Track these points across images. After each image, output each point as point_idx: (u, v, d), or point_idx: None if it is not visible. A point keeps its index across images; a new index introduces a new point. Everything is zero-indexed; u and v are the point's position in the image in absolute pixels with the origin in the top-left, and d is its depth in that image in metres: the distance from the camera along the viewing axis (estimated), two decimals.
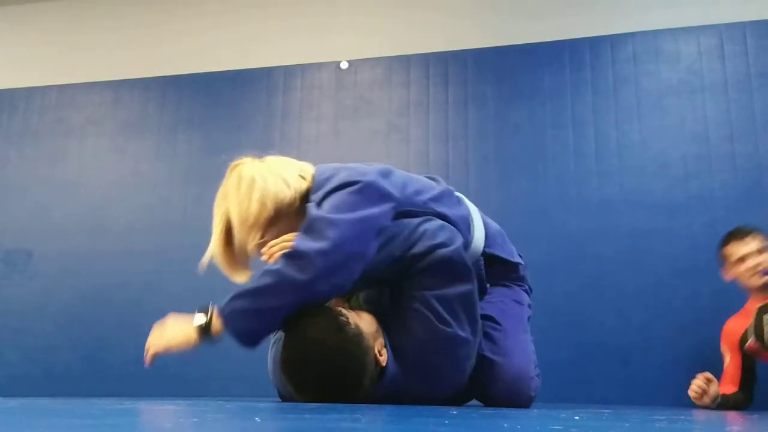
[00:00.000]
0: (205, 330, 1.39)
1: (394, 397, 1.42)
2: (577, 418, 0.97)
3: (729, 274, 2.34)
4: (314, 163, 1.54)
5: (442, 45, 3.22)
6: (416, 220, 1.46)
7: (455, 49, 3.19)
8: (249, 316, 1.36)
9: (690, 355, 2.48)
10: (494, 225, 1.70)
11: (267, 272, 1.36)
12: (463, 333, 1.42)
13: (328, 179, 1.46)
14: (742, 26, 2.92)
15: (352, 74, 3.28)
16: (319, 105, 3.26)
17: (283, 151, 3.17)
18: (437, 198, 1.55)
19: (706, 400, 2.13)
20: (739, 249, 2.28)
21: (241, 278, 1.52)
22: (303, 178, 1.51)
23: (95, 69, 3.58)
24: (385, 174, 1.48)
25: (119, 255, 3.21)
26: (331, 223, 1.35)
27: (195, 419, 0.80)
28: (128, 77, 3.51)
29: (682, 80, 2.92)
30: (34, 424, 0.65)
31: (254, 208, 1.43)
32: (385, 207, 1.41)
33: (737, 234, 2.32)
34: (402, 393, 1.43)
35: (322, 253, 1.33)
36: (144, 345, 1.43)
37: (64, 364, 3.12)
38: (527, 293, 1.73)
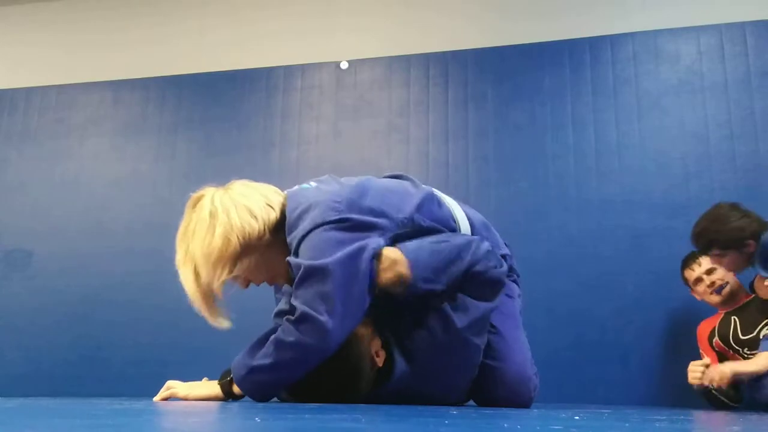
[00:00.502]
0: (228, 393, 1.41)
1: (399, 396, 1.42)
2: (577, 418, 0.97)
3: (695, 296, 2.47)
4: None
5: (442, 45, 3.21)
6: (472, 240, 1.43)
7: (455, 49, 3.18)
8: (271, 386, 1.37)
9: (690, 355, 2.48)
10: (477, 217, 1.64)
11: (281, 344, 1.30)
12: (478, 341, 1.44)
13: (300, 218, 1.36)
14: (742, 26, 2.92)
15: (352, 74, 3.28)
16: (319, 105, 3.26)
17: (283, 151, 3.22)
18: (419, 207, 1.46)
19: (706, 380, 2.14)
20: (692, 273, 2.43)
21: (224, 324, 1.44)
22: (270, 207, 1.42)
23: (95, 69, 3.58)
24: (359, 196, 1.39)
25: (119, 255, 3.21)
26: (323, 272, 1.28)
27: (195, 419, 0.80)
28: (128, 77, 3.51)
29: (682, 80, 2.92)
30: (34, 424, 0.65)
31: (217, 242, 1.35)
32: (372, 236, 1.35)
33: (688, 260, 2.46)
34: (408, 391, 1.44)
35: (329, 311, 1.28)
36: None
37: (64, 364, 3.11)
38: (516, 282, 1.69)
